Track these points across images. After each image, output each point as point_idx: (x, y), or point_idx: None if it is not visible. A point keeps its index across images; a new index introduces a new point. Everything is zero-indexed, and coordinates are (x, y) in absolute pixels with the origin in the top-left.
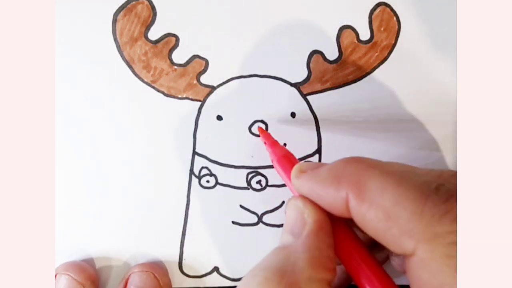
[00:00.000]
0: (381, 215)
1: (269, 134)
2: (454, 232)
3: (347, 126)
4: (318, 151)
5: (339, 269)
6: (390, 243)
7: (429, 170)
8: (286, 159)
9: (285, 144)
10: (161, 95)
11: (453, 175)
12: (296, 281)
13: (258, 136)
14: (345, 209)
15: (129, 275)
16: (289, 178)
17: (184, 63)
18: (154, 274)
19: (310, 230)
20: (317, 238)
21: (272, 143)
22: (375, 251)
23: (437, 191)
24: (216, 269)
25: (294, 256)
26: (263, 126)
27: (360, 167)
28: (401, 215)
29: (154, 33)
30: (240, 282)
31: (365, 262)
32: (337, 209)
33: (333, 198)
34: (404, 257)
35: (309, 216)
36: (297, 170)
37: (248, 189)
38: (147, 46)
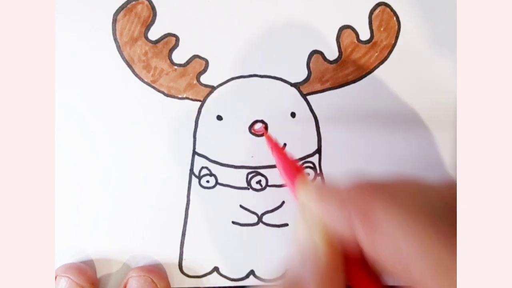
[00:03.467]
0: (389, 243)
1: (275, 142)
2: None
3: (347, 126)
4: (318, 151)
5: None
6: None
7: (439, 184)
8: (294, 169)
9: (285, 144)
10: (161, 95)
11: None
12: None
13: (258, 136)
14: (350, 233)
15: (128, 280)
16: (294, 189)
17: (184, 63)
18: (151, 279)
19: (322, 269)
20: (329, 278)
21: (279, 150)
22: None
23: (443, 214)
24: (216, 269)
25: None
26: (263, 126)
27: (365, 192)
28: (408, 243)
29: (154, 33)
30: None
31: None
32: (341, 231)
33: (338, 219)
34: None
35: (322, 252)
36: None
37: (248, 189)
38: (147, 46)
